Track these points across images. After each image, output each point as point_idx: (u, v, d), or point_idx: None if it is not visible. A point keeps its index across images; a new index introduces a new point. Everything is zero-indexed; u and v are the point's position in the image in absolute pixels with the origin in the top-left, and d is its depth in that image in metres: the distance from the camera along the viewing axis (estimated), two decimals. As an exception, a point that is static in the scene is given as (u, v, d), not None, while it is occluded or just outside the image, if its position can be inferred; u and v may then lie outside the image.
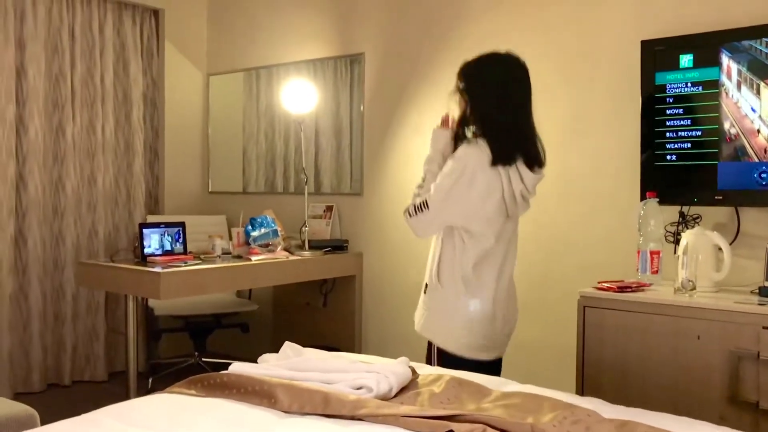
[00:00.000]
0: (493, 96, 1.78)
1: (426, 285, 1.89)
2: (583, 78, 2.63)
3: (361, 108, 3.37)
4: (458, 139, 1.84)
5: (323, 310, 3.45)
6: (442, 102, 3.07)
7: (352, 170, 3.43)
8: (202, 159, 4.05)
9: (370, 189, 3.35)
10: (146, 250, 2.81)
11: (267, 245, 3.04)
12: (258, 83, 3.81)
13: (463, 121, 1.84)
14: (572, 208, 2.63)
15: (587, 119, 2.63)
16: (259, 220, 3.06)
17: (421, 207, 1.80)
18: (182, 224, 2.92)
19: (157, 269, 2.58)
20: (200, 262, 2.83)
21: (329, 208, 3.44)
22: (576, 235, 2.65)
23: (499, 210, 1.81)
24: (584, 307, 2.05)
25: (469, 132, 1.83)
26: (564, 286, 2.63)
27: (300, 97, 3.31)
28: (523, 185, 1.80)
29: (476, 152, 1.76)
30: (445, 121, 1.93)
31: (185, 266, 2.68)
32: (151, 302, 3.42)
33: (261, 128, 3.81)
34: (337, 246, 3.30)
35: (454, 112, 1.87)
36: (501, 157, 1.76)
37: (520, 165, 1.79)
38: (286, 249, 3.14)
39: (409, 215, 1.83)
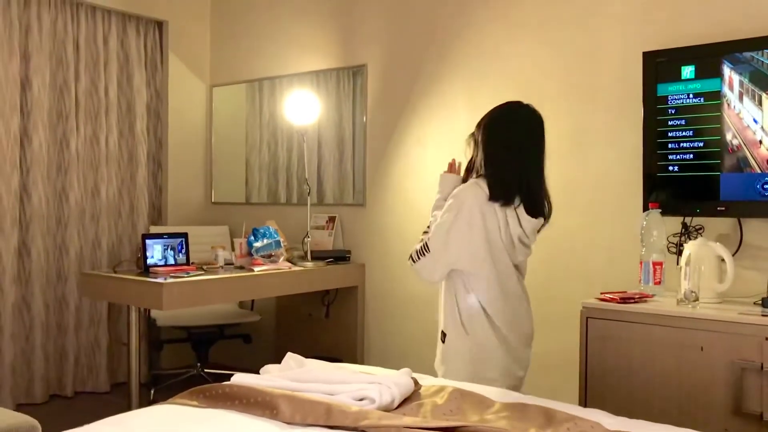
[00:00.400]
0: (506, 150, 1.78)
1: (442, 333, 1.84)
2: (585, 89, 2.63)
3: (364, 119, 3.38)
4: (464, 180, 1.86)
5: (325, 320, 3.44)
6: (444, 113, 3.10)
7: (355, 181, 3.44)
8: (205, 170, 4.06)
9: (372, 200, 3.34)
10: (149, 261, 2.81)
11: (269, 256, 3.04)
12: (261, 94, 3.82)
13: (471, 168, 1.85)
14: (575, 219, 2.62)
15: (590, 131, 2.62)
16: (261, 230, 3.06)
17: (423, 251, 1.77)
18: (185, 235, 2.92)
19: (159, 280, 2.58)
20: (203, 272, 2.82)
21: (332, 219, 3.44)
22: (578, 246, 2.64)
23: (500, 250, 1.77)
24: (587, 318, 2.04)
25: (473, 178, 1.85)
26: (566, 296, 2.62)
27: (302, 108, 3.32)
28: (521, 229, 1.77)
29: (473, 189, 1.75)
30: (451, 166, 1.93)
31: (188, 277, 2.68)
32: (154, 313, 3.42)
33: (264, 139, 3.82)
34: (340, 257, 3.30)
35: (466, 156, 1.87)
36: (498, 194, 1.73)
37: (520, 210, 1.77)
38: (288, 260, 3.13)
39: (413, 261, 1.80)
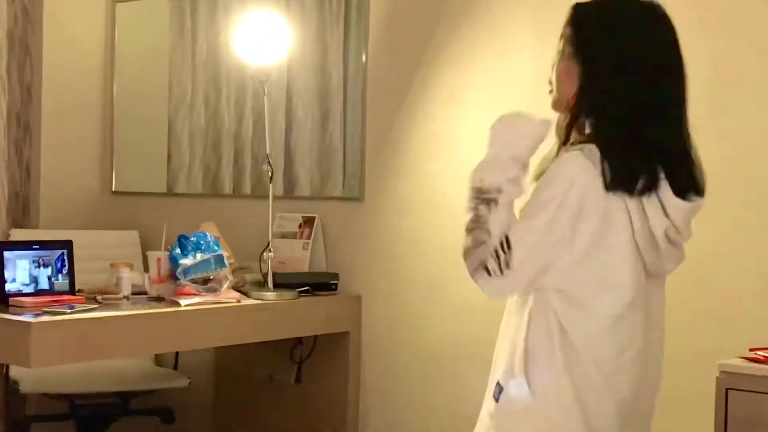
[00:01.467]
0: (626, 66, 1.78)
1: (498, 387, 1.85)
2: (729, 15, 2.61)
3: (363, 58, 3.37)
4: (565, 138, 1.84)
5: (296, 387, 3.46)
6: (497, 49, 3.07)
7: (346, 160, 3.41)
8: (102, 139, 4.00)
9: (375, 191, 3.35)
10: (8, 287, 2.83)
11: (206, 281, 3.03)
12: (194, 16, 3.82)
13: (578, 104, 1.82)
14: (708, 228, 2.50)
15: (736, 83, 2.61)
16: (193, 239, 3.07)
17: (500, 267, 1.75)
18: (68, 245, 2.93)
19: (24, 318, 2.59)
20: (96, 306, 2.84)
21: (308, 222, 3.43)
22: (711, 271, 2.64)
23: (628, 263, 1.79)
24: (726, 389, 2.06)
25: (577, 136, 1.82)
26: (692, 353, 2.60)
27: (263, 38, 3.30)
28: (667, 221, 1.79)
29: (584, 169, 1.75)
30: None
31: (72, 313, 2.69)
32: (15, 372, 3.38)
33: (198, 89, 3.81)
34: (321, 284, 3.31)
35: (559, 85, 1.86)
36: (624, 177, 1.74)
37: (663, 188, 1.78)
38: (237, 288, 3.15)
39: (475, 272, 1.79)
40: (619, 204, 1.75)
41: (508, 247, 1.75)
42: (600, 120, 1.78)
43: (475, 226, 1.79)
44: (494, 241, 1.76)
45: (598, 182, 1.73)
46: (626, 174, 1.73)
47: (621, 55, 1.78)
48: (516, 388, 1.80)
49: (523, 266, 1.75)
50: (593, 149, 1.74)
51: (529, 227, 1.76)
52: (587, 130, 1.79)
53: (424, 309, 3.24)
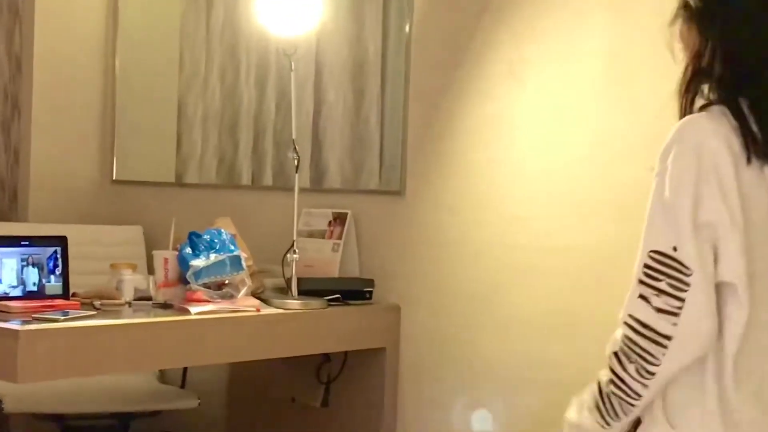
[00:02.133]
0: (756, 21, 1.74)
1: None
2: None
3: (406, 28, 3.34)
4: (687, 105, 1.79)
5: (322, 412, 3.41)
6: (564, 16, 3.03)
7: (384, 147, 3.38)
8: (103, 119, 3.99)
9: (418, 184, 3.31)
10: None
11: (220, 286, 3.01)
12: None
13: (698, 71, 1.77)
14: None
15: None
16: (206, 237, 3.04)
17: (671, 310, 1.64)
18: (62, 241, 2.91)
19: (11, 325, 2.55)
20: (93, 313, 2.80)
21: (339, 219, 3.40)
22: None
23: None
24: None
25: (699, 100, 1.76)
26: None
27: (289, 4, 3.28)
28: None
29: (713, 135, 1.68)
30: None
31: (65, 320, 2.66)
32: None
33: (213, 64, 3.80)
34: (353, 292, 3.26)
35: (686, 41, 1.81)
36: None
37: None
38: (255, 294, 3.11)
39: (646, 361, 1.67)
40: (758, 178, 1.71)
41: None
42: (736, 77, 1.74)
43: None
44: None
45: (727, 151, 1.68)
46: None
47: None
48: None
49: (696, 264, 1.66)
50: (715, 115, 1.72)
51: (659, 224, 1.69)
52: (711, 96, 1.77)
53: (475, 323, 3.17)
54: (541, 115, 3.08)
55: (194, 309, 2.88)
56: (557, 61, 3.05)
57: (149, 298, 3.02)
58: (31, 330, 2.55)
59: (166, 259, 3.03)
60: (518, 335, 3.04)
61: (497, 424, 3.12)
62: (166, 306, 2.96)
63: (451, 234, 3.25)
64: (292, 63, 3.31)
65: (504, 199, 3.14)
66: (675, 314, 1.66)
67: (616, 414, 1.74)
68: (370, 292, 3.30)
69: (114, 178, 4.05)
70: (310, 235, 3.42)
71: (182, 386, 3.66)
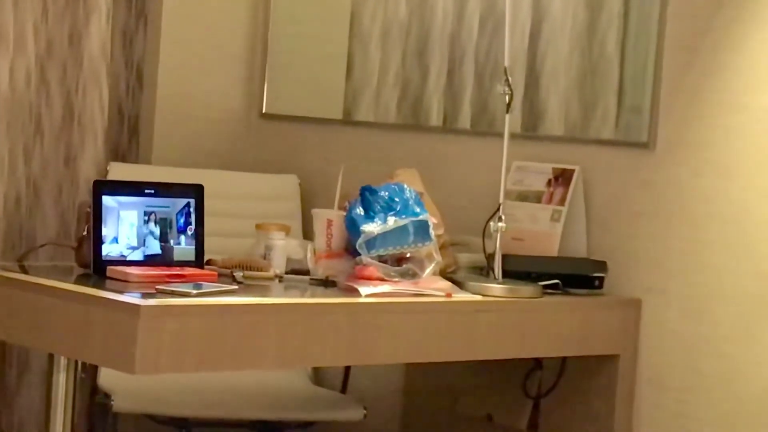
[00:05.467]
0: None
1: None
2: None
3: None
4: None
5: None
6: None
7: (624, 83, 3.32)
8: (252, 35, 4.11)
9: (673, 134, 3.20)
10: (106, 249, 2.78)
11: (401, 260, 2.98)
12: None
13: None
14: None
15: None
16: (383, 194, 3.01)
17: None
18: (197, 192, 2.93)
19: (129, 298, 2.51)
20: (234, 288, 2.77)
21: (562, 178, 3.31)
22: None
23: None
24: None
25: None
26: None
27: None
28: None
29: None
30: None
31: (197, 296, 2.62)
32: (107, 380, 3.37)
33: None
34: (578, 277, 3.17)
35: None
36: None
37: None
38: (446, 274, 3.06)
39: None
40: None
41: None
42: None
43: None
44: None
45: None
46: None
47: None
48: None
49: None
50: None
51: None
52: None
53: (750, 333, 3.02)
54: None
55: (365, 290, 2.81)
56: None
57: (306, 272, 2.99)
58: (155, 306, 2.48)
59: (329, 221, 3.01)
60: None
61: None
62: (327, 283, 2.92)
63: (719, 205, 3.11)
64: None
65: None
66: None
67: None
68: (602, 279, 3.15)
69: (263, 111, 4.08)
70: (522, 197, 3.33)
71: (343, 391, 3.67)
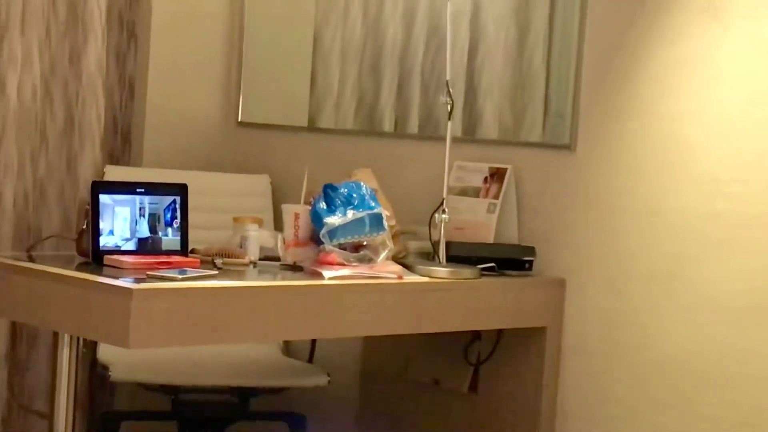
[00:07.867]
0: None
1: None
2: None
3: None
4: None
5: (469, 398, 3.43)
6: None
7: (550, 92, 3.38)
8: (228, 52, 4.09)
9: (591, 137, 3.28)
10: (102, 241, 2.85)
11: (358, 248, 3.05)
12: None
13: None
14: None
15: None
16: (343, 191, 3.08)
17: None
18: (182, 190, 2.97)
19: (124, 283, 2.58)
20: (215, 273, 2.84)
21: (497, 175, 3.37)
22: None
23: None
24: None
25: None
26: None
27: None
28: None
29: None
30: None
31: (182, 280, 2.68)
32: (105, 354, 3.44)
33: None
34: (510, 261, 3.26)
35: None
36: None
37: None
38: (397, 259, 3.13)
39: None
40: None
41: None
42: None
43: None
44: None
45: None
46: None
47: None
48: None
49: None
50: None
51: None
52: None
53: (656, 304, 3.13)
54: (743, 59, 3.02)
55: (328, 273, 2.90)
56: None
57: (277, 259, 3.06)
58: (145, 289, 2.56)
59: (297, 215, 3.07)
60: (709, 321, 2.99)
61: (673, 426, 3.10)
62: (295, 268, 3.00)
63: (629, 198, 3.22)
64: (446, -14, 3.32)
65: (698, 158, 3.08)
66: None
67: None
68: (531, 262, 3.27)
69: (239, 120, 4.12)
70: (463, 192, 3.40)
71: (310, 361, 3.72)
